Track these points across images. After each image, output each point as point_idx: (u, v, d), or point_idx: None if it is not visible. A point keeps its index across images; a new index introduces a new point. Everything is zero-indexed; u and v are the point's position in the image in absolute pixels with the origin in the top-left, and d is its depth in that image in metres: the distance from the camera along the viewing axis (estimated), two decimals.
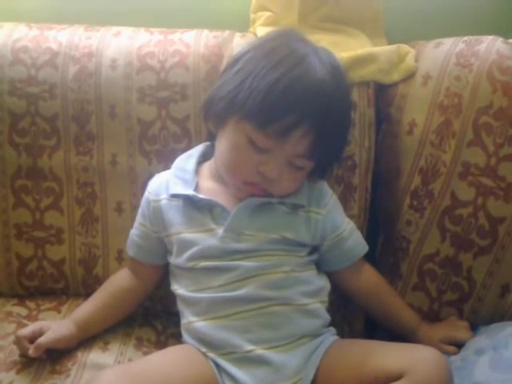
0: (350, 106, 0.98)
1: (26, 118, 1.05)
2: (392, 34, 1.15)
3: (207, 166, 0.98)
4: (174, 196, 0.94)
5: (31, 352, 0.90)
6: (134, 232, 1.00)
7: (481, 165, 0.98)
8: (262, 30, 1.10)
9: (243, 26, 1.16)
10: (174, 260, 0.94)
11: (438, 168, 1.01)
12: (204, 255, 0.90)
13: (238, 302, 0.88)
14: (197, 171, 0.96)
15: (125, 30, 1.09)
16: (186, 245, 0.92)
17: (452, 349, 0.95)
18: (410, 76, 1.05)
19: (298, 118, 0.85)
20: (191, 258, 0.91)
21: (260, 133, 0.86)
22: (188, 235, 0.92)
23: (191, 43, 1.06)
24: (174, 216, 0.93)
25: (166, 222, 0.94)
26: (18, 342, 0.92)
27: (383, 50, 1.07)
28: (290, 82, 0.85)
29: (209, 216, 0.92)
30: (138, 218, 0.99)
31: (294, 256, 0.92)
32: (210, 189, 0.94)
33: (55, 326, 0.94)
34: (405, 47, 1.08)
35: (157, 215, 0.95)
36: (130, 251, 1.00)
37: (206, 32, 1.09)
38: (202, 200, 0.92)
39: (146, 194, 0.98)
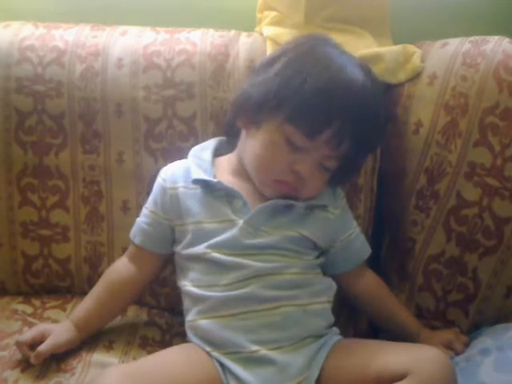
0: (384, 117, 0.97)
1: (33, 116, 1.05)
2: (398, 35, 1.14)
3: (226, 161, 0.98)
4: (197, 181, 0.93)
5: (32, 360, 0.89)
6: (142, 220, 0.98)
7: (487, 165, 0.98)
8: (267, 30, 1.10)
9: (249, 25, 1.16)
10: (184, 250, 0.93)
11: (443, 168, 1.00)
12: (219, 246, 0.90)
13: (243, 302, 0.88)
14: (212, 163, 0.96)
15: (131, 29, 1.10)
16: (203, 234, 0.91)
17: (451, 352, 0.95)
18: (416, 76, 1.05)
19: (343, 125, 0.87)
20: (207, 247, 0.90)
21: (306, 139, 0.88)
22: (207, 225, 0.91)
23: (197, 42, 1.06)
24: (193, 204, 0.92)
25: (182, 211, 0.93)
26: (18, 347, 0.91)
27: (389, 50, 1.07)
28: (336, 89, 0.87)
29: (228, 207, 0.91)
30: (149, 206, 0.97)
31: (301, 259, 0.92)
32: (229, 183, 0.93)
33: (56, 330, 0.93)
34: (411, 47, 1.08)
35: (173, 203, 0.94)
36: (137, 239, 0.98)
37: (212, 31, 1.09)
38: (225, 188, 0.91)
39: (161, 181, 0.96)
